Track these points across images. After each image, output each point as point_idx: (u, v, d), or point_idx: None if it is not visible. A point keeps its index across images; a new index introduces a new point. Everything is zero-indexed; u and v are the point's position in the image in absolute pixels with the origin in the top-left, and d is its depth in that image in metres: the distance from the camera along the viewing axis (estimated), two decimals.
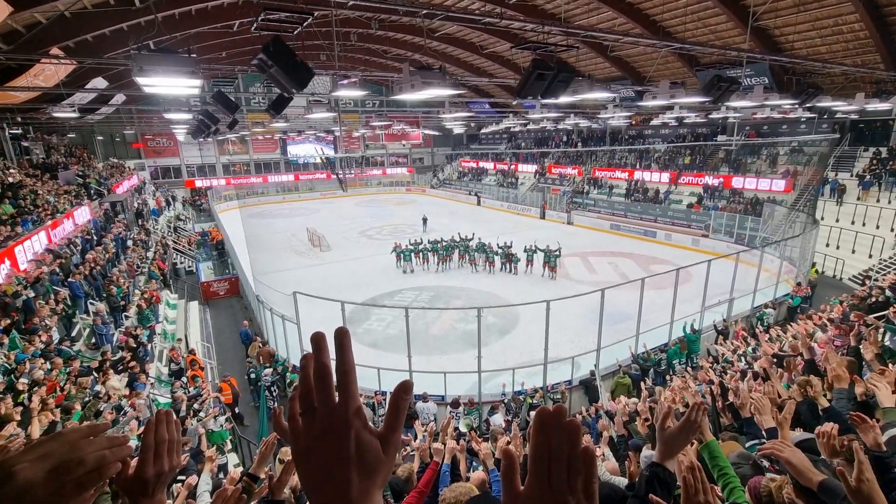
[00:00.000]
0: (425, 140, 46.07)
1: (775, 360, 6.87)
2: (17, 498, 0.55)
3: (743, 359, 8.69)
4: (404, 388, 0.57)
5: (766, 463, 2.58)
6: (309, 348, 0.58)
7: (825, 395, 3.27)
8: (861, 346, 4.55)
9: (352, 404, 0.55)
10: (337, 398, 0.55)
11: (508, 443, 5.03)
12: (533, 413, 9.20)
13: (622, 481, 3.72)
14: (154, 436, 0.82)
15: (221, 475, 5.99)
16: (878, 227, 17.54)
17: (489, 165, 42.49)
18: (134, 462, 0.80)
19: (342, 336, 0.56)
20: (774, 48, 17.59)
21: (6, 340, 8.23)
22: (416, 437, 6.28)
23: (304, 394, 0.56)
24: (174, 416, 0.87)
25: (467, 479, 3.27)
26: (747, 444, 3.17)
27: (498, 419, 8.64)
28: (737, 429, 3.92)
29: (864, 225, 18.15)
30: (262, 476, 2.79)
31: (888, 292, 9.40)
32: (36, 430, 5.92)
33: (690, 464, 1.42)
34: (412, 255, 19.48)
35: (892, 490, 1.93)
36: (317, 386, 0.55)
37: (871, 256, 16.83)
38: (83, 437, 0.64)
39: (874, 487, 1.41)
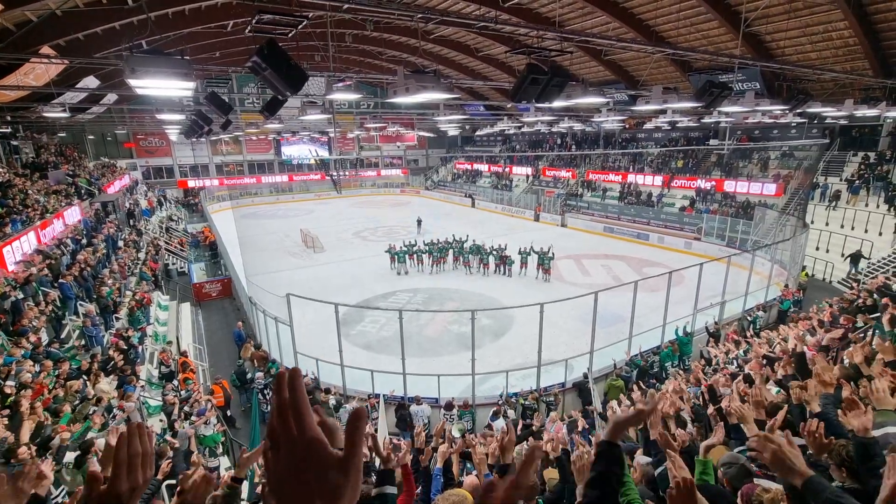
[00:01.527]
0: (420, 142, 46.08)
1: (766, 361, 6.95)
2: None
3: (735, 361, 8.76)
4: (357, 417, 0.60)
5: (758, 468, 2.61)
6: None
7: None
8: (851, 349, 4.61)
9: (307, 436, 0.57)
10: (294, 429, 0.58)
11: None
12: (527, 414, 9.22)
13: None
14: (127, 450, 0.80)
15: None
16: (866, 231, 17.79)
17: (484, 167, 42.59)
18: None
19: (290, 374, 0.60)
20: (766, 54, 17.80)
21: None
22: (414, 443, 6.26)
23: (270, 431, 0.59)
24: (145, 430, 0.86)
25: (460, 484, 3.27)
26: (736, 450, 3.20)
27: (500, 424, 8.61)
28: (726, 433, 3.95)
29: (853, 229, 18.39)
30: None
31: (875, 295, 9.52)
32: (26, 434, 5.85)
33: (681, 479, 1.44)
34: (406, 256, 19.47)
35: (873, 476, 1.98)
36: (277, 420, 0.59)
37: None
38: None
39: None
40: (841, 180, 21.12)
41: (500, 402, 9.58)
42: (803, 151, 23.61)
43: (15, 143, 22.75)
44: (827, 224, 19.40)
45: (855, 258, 16.33)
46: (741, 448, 3.13)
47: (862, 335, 6.76)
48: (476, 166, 43.51)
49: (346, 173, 45.33)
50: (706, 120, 20.86)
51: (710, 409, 4.95)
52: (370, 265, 20.15)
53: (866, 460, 2.10)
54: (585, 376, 10.32)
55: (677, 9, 16.55)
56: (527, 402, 9.60)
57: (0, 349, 8.09)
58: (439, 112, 25.77)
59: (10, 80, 12.58)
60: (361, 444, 0.60)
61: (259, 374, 10.63)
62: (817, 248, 18.34)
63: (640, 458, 3.98)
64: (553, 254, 17.86)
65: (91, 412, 7.05)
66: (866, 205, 19.02)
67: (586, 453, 2.56)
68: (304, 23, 6.65)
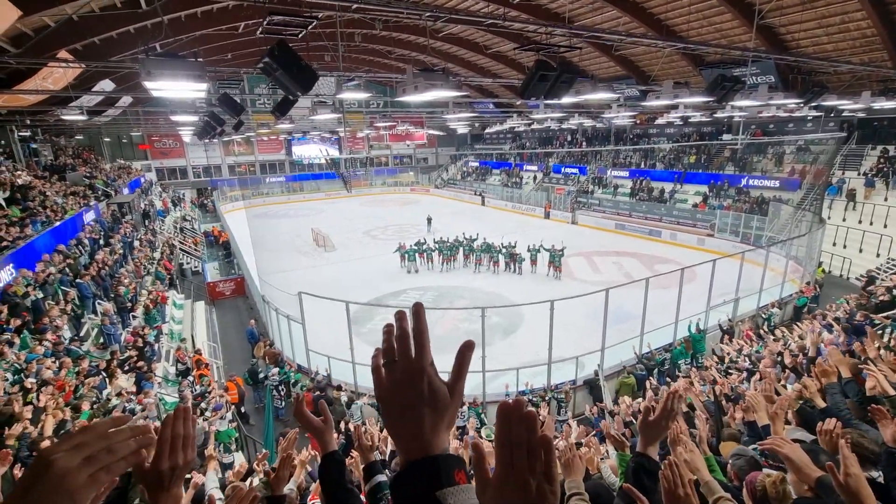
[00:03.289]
0: (429, 140, 46.11)
1: (779, 358, 6.87)
2: (56, 485, 0.60)
3: (748, 359, 8.67)
4: (468, 346, 0.70)
5: (764, 458, 2.60)
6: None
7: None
8: (864, 343, 4.53)
9: (425, 357, 0.68)
10: (413, 353, 0.68)
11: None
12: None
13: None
14: (171, 430, 0.86)
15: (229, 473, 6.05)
16: (885, 227, 17.39)
17: (497, 171, 42.46)
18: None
19: (418, 307, 0.72)
20: (780, 46, 17.47)
21: (17, 340, 8.35)
22: None
23: (386, 350, 0.70)
24: (191, 413, 0.92)
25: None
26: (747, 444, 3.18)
27: None
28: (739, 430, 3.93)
29: (871, 224, 18.00)
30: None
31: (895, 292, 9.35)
32: (49, 428, 6.02)
33: (669, 461, 1.45)
34: (416, 254, 19.53)
35: None
36: (398, 344, 0.69)
37: (878, 256, 16.69)
38: (110, 428, 0.69)
39: (861, 482, 1.44)
40: (859, 174, 20.65)
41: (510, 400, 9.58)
42: (819, 145, 23.14)
43: (34, 145, 23.29)
44: (844, 219, 19.01)
45: (870, 280, 15.96)
46: (752, 445, 3.12)
47: (879, 332, 6.65)
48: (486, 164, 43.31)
49: (359, 172, 45.51)
50: (719, 115, 20.59)
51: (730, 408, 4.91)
52: (380, 264, 20.26)
53: None
54: (596, 374, 10.28)
55: (689, 2, 16.32)
56: (534, 400, 9.59)
57: (20, 347, 8.32)
58: (448, 110, 25.76)
59: (29, 85, 12.87)
60: (466, 372, 0.70)
61: (273, 371, 10.78)
62: (834, 244, 17.99)
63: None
64: (563, 251, 17.79)
65: (112, 407, 7.23)
66: (885, 199, 18.59)
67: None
68: (314, 23, 6.71)
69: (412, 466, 0.63)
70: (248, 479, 4.62)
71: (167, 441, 0.85)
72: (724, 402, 5.17)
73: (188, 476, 4.48)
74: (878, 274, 15.26)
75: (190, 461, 0.88)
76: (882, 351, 4.01)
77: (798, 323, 10.66)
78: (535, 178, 36.77)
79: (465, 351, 0.70)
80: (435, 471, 0.61)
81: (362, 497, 1.63)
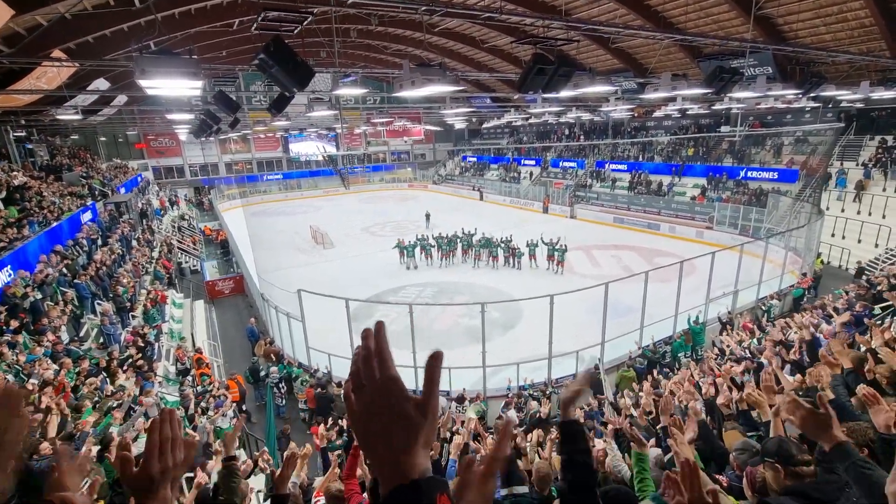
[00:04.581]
0: (427, 136, 45.95)
1: (780, 347, 6.88)
2: None
3: (748, 350, 8.69)
4: (435, 357, 0.66)
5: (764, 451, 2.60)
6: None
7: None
8: (869, 335, 4.53)
9: (388, 375, 0.65)
10: (377, 374, 0.66)
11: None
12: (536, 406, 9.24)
13: (623, 469, 3.76)
14: (158, 434, 0.86)
15: None
16: (884, 217, 17.41)
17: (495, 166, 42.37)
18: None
19: (378, 325, 0.69)
20: (778, 37, 17.40)
21: (20, 340, 8.34)
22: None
23: (354, 374, 0.68)
24: (177, 415, 0.91)
25: None
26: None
27: (512, 414, 8.67)
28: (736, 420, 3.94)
29: (870, 214, 18.02)
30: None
31: (893, 280, 9.36)
32: (52, 429, 6.01)
33: (686, 460, 1.44)
34: (415, 250, 19.51)
35: None
36: (363, 366, 0.67)
37: (877, 246, 16.72)
38: None
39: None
40: (857, 165, 20.65)
41: (509, 394, 9.61)
42: (818, 136, 23.11)
43: (30, 146, 23.16)
44: (843, 210, 19.02)
45: (859, 272, 16.07)
46: (751, 433, 3.13)
47: (879, 321, 6.66)
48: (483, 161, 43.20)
49: (357, 169, 45.37)
50: (717, 106, 20.50)
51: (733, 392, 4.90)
52: (379, 260, 20.24)
53: (891, 455, 2.02)
54: (597, 367, 10.30)
55: None
56: (535, 395, 9.61)
57: (22, 348, 8.30)
58: (446, 105, 25.61)
59: (23, 84, 12.77)
60: (437, 387, 0.66)
61: (273, 370, 10.78)
62: (833, 235, 18.01)
63: (652, 451, 3.99)
64: (566, 246, 17.78)
65: (113, 406, 7.23)
66: (884, 189, 18.60)
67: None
68: (310, 19, 6.66)
69: (392, 494, 0.59)
70: (250, 477, 4.62)
71: (156, 445, 0.85)
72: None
73: (191, 475, 4.48)
74: (877, 265, 15.30)
75: (178, 462, 0.87)
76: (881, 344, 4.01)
77: (796, 314, 10.69)
78: (531, 174, 36.67)
79: (433, 363, 0.65)
80: (416, 497, 0.58)
81: None
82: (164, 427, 0.87)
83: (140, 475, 0.83)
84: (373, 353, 0.67)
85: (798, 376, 3.96)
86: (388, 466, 0.60)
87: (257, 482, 6.12)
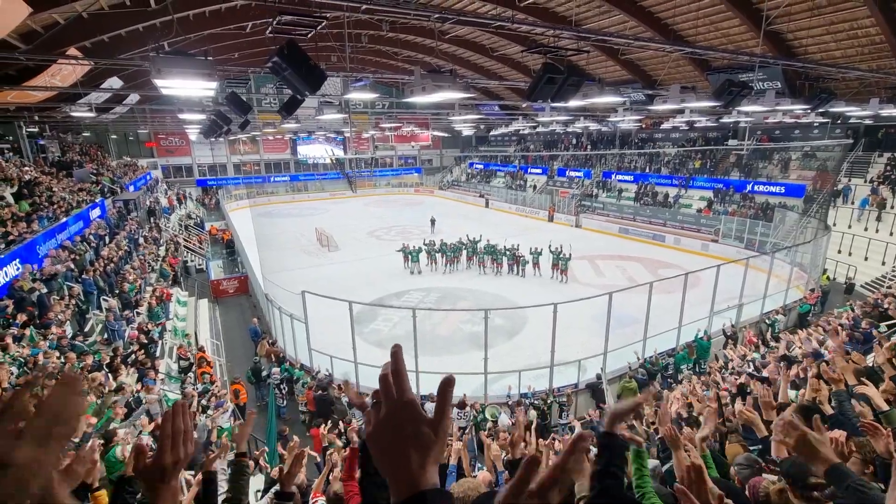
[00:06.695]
0: (434, 142, 46.14)
1: (784, 362, 6.84)
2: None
3: (751, 364, 8.63)
4: (448, 382, 0.71)
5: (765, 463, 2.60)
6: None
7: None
8: (873, 352, 4.50)
9: (406, 398, 0.70)
10: (395, 394, 0.71)
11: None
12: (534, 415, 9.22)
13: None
14: (171, 426, 0.89)
15: None
16: (891, 234, 17.29)
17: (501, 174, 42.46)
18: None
19: (395, 349, 0.74)
20: (788, 52, 17.42)
21: (27, 333, 8.41)
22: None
23: (375, 392, 0.73)
24: (188, 408, 0.94)
25: (473, 479, 3.30)
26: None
27: (504, 419, 8.71)
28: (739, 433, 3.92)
29: (877, 231, 17.90)
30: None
31: None
32: None
33: (691, 464, 1.45)
34: (420, 255, 19.54)
35: None
36: (381, 385, 0.72)
37: (884, 263, 16.60)
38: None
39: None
40: (865, 182, 20.55)
41: (509, 401, 9.59)
42: (826, 152, 23.03)
43: (42, 142, 23.46)
44: (850, 226, 18.91)
45: (848, 288, 16.04)
46: (754, 447, 3.11)
47: (886, 338, 6.61)
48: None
49: (365, 172, 45.58)
50: (725, 120, 20.50)
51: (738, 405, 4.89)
52: (384, 264, 20.28)
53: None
54: (599, 377, 10.26)
55: (696, 7, 16.29)
56: (536, 402, 9.58)
57: (28, 341, 8.37)
58: (454, 112, 25.79)
59: (38, 81, 12.96)
60: (449, 408, 0.71)
61: (275, 370, 10.79)
62: (839, 251, 17.89)
63: (651, 462, 3.97)
64: (570, 254, 17.77)
65: (113, 402, 7.26)
66: (892, 206, 18.49)
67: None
68: (323, 24, 6.75)
69: None
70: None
71: (168, 437, 0.88)
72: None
73: (192, 474, 4.49)
74: (883, 282, 15.18)
75: (189, 454, 0.90)
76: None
77: (801, 330, 10.61)
78: (534, 187, 36.65)
79: (446, 387, 0.71)
80: None
81: None
82: (177, 420, 0.90)
83: (153, 466, 0.86)
84: (391, 374, 0.72)
85: (801, 391, 3.94)
86: (402, 480, 0.65)
87: (257, 482, 6.12)
